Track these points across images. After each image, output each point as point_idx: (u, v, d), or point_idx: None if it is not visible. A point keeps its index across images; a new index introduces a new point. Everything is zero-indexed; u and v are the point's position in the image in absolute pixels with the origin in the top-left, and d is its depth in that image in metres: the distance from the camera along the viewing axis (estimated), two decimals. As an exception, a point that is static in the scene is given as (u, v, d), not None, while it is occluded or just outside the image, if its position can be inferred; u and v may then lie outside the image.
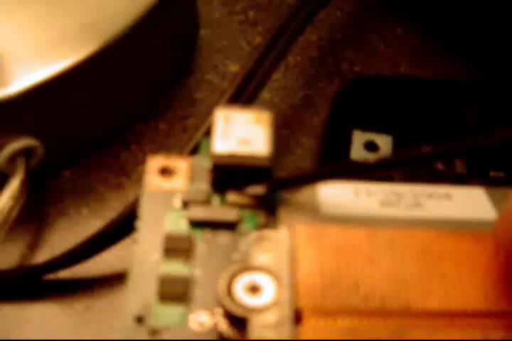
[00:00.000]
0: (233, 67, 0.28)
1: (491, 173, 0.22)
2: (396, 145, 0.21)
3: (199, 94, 0.28)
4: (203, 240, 0.15)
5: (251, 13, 0.31)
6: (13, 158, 0.22)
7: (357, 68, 0.28)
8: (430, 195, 0.16)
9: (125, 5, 0.24)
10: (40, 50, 0.23)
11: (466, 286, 0.13)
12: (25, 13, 0.24)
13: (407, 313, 0.13)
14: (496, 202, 0.17)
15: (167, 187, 0.16)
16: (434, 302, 0.13)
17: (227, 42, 0.29)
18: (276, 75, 0.28)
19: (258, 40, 0.29)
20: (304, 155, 0.25)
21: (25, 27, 0.24)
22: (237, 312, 0.13)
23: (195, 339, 0.13)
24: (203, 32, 0.30)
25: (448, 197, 0.16)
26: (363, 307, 0.13)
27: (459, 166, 0.22)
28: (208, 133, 0.20)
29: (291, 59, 0.29)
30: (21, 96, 0.22)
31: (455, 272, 0.13)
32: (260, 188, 0.15)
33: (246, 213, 0.16)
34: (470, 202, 0.16)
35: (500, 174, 0.23)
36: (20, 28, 0.24)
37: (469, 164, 0.22)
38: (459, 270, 0.13)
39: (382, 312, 0.12)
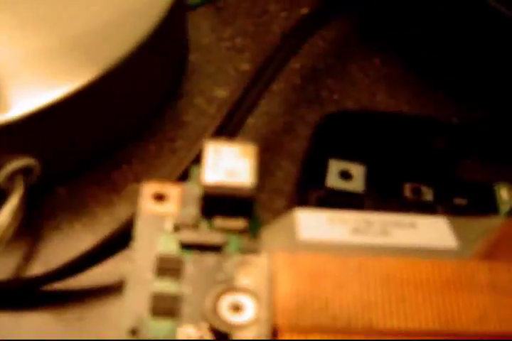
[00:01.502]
0: (220, 92, 0.30)
1: (456, 200, 0.24)
2: (369, 173, 0.23)
3: (187, 117, 0.29)
4: (191, 261, 0.17)
5: (238, 40, 0.32)
6: (12, 176, 0.24)
7: (336, 96, 0.30)
8: (397, 224, 0.18)
9: (122, 33, 0.26)
10: (39, 78, 0.24)
11: (423, 309, 0.15)
12: (25, 41, 0.25)
13: (370, 332, 0.14)
14: (457, 231, 0.18)
15: (160, 212, 0.18)
16: (395, 322, 0.14)
17: (214, 67, 0.31)
18: (260, 101, 0.29)
19: (244, 66, 0.31)
20: (283, 178, 0.27)
21: (24, 54, 0.25)
22: (221, 328, 0.14)
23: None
24: (192, 57, 0.31)
25: (413, 225, 0.18)
26: (332, 326, 0.14)
27: (426, 194, 0.24)
28: (195, 160, 0.22)
29: (274, 86, 0.30)
30: (21, 121, 0.23)
31: (414, 296, 0.15)
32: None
33: (231, 237, 0.17)
34: (432, 231, 0.18)
35: (464, 201, 0.24)
36: (20, 55, 0.25)
37: (436, 192, 0.24)
38: (418, 294, 0.15)
39: (349, 331, 0.14)
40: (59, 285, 0.24)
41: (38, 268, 0.24)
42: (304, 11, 0.33)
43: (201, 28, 0.32)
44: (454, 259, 0.16)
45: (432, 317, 0.15)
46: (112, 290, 0.24)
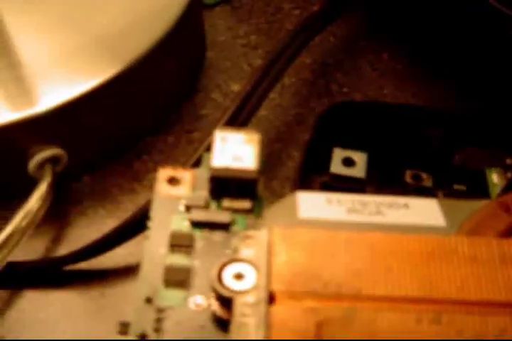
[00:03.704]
0: (235, 87, 0.32)
1: (455, 186, 0.26)
2: (370, 160, 0.24)
3: (204, 111, 0.31)
4: (201, 238, 0.18)
5: (252, 38, 0.34)
6: (41, 165, 0.26)
7: (345, 90, 0.31)
8: (391, 205, 0.20)
9: (144, 31, 0.28)
10: (65, 74, 0.26)
11: (408, 278, 0.16)
12: (52, 41, 0.27)
13: (358, 298, 0.16)
14: (447, 212, 0.20)
15: (174, 194, 0.19)
16: (380, 289, 0.16)
17: (230, 63, 0.33)
18: (273, 95, 0.31)
19: (258, 62, 0.32)
20: (294, 167, 0.28)
21: (51, 53, 0.27)
22: (225, 294, 0.16)
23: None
24: (208, 54, 0.33)
25: (406, 206, 0.20)
26: (323, 292, 0.16)
27: (426, 180, 0.25)
28: (208, 148, 0.24)
29: (286, 80, 0.32)
30: (49, 114, 0.25)
31: (400, 266, 0.16)
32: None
33: (238, 216, 0.19)
34: (424, 211, 0.19)
35: (463, 187, 0.26)
36: (47, 53, 0.27)
37: (435, 178, 0.25)
38: (403, 264, 0.16)
39: (338, 297, 0.16)
40: (83, 265, 0.25)
41: (64, 250, 0.26)
42: (317, 8, 0.34)
43: (218, 26, 0.34)
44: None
45: (416, 286, 0.16)
46: (132, 269, 0.25)
